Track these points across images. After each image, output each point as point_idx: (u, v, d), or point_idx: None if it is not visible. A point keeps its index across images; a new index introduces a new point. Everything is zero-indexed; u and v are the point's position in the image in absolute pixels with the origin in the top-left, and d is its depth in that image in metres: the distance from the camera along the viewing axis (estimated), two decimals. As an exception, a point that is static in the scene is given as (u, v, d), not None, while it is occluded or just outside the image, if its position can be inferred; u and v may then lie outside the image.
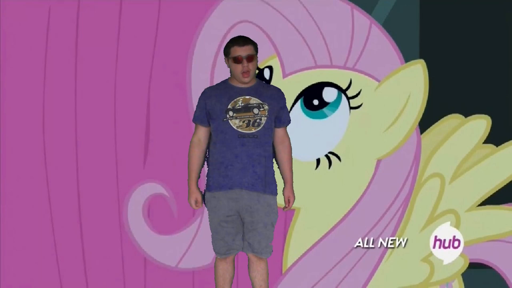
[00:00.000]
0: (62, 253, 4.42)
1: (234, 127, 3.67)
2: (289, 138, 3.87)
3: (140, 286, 4.45)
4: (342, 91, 4.45)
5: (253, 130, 3.68)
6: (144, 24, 4.37)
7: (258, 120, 3.69)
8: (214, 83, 4.31)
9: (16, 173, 4.38)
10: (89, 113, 4.38)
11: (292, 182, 3.87)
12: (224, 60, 3.80)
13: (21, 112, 4.37)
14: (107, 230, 4.41)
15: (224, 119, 3.67)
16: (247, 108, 3.69)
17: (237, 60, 3.69)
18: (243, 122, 3.68)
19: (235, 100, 3.70)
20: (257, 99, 3.71)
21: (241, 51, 3.69)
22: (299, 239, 4.48)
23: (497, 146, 4.54)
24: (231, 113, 3.67)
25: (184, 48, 4.38)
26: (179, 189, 4.40)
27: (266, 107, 3.71)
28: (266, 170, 3.72)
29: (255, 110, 3.69)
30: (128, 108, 4.39)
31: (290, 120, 3.87)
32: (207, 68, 4.37)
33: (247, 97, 3.71)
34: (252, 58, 3.70)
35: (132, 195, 4.40)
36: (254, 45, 3.76)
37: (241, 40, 3.74)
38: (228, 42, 3.77)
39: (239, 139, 3.67)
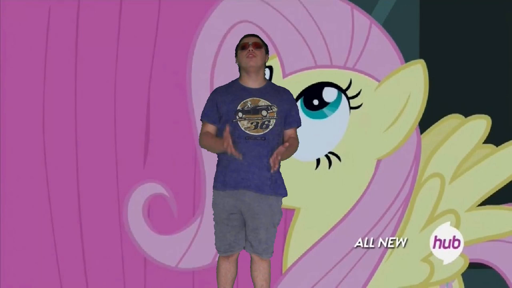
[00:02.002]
0: (62, 253, 4.42)
1: (242, 129, 3.67)
2: (297, 139, 3.83)
3: (140, 286, 4.45)
4: (342, 91, 4.45)
5: (261, 132, 3.68)
6: (144, 24, 4.37)
7: (266, 122, 3.69)
8: (214, 83, 4.31)
9: (16, 173, 4.38)
10: (89, 113, 4.38)
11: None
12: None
13: (21, 112, 4.37)
14: (107, 230, 4.41)
15: (234, 120, 3.67)
16: (255, 110, 3.69)
17: (243, 46, 3.73)
18: (252, 123, 3.67)
19: (244, 101, 3.70)
20: (266, 101, 3.71)
21: (248, 39, 3.78)
22: (299, 239, 4.48)
23: (497, 146, 4.54)
24: (240, 114, 3.67)
25: (184, 48, 4.38)
26: (179, 189, 4.41)
27: (275, 109, 3.70)
28: (273, 172, 3.71)
29: (264, 112, 3.69)
30: (128, 108, 4.39)
31: (300, 123, 3.84)
32: (207, 68, 4.37)
33: (256, 98, 3.71)
34: (258, 45, 3.74)
35: (132, 195, 4.40)
36: (264, 42, 3.83)
37: (251, 34, 3.86)
38: None
39: (247, 141, 3.66)
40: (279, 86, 3.89)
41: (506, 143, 4.55)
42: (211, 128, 3.78)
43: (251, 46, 3.73)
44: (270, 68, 4.41)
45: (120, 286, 4.44)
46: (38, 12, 4.35)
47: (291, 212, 4.47)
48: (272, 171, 3.64)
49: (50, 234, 4.40)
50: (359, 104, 4.46)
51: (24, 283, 4.42)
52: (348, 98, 4.45)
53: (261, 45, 3.77)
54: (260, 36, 3.89)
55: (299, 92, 4.43)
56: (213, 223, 3.85)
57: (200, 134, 3.82)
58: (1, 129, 4.37)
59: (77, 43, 4.36)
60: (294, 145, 3.79)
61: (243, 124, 3.66)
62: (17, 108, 4.37)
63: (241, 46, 3.77)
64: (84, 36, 4.36)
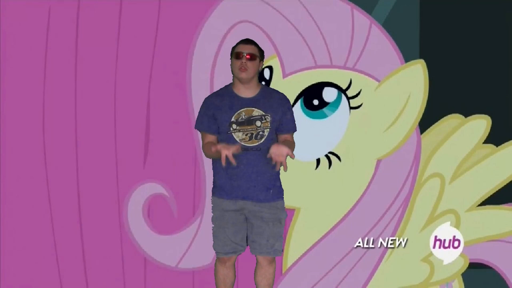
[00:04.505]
0: (62, 253, 4.42)
1: (238, 140, 3.67)
2: (294, 142, 3.81)
3: (140, 286, 4.45)
4: (342, 91, 4.45)
5: (256, 143, 3.68)
6: (144, 24, 4.37)
7: (261, 133, 3.69)
8: (214, 83, 4.31)
9: (16, 173, 4.38)
10: (89, 113, 4.38)
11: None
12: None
13: (21, 112, 4.37)
14: (107, 230, 4.41)
15: (228, 132, 3.67)
16: (249, 121, 3.69)
17: (237, 55, 3.71)
18: (246, 135, 3.68)
19: (238, 112, 3.70)
20: (260, 110, 3.71)
21: (243, 48, 3.73)
22: (299, 239, 4.48)
23: (497, 146, 4.54)
24: (234, 126, 3.68)
25: (184, 48, 4.38)
26: (179, 189, 4.41)
27: (269, 118, 3.71)
28: (271, 181, 3.72)
29: (258, 123, 3.69)
30: (128, 108, 4.39)
31: (295, 128, 3.83)
32: (207, 68, 4.37)
33: (250, 108, 3.71)
34: (253, 57, 3.70)
35: (132, 195, 4.40)
36: (259, 49, 3.78)
37: (246, 40, 3.78)
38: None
39: (242, 152, 3.66)
40: (274, 91, 3.88)
41: (506, 143, 4.55)
42: (212, 138, 3.79)
43: (245, 58, 3.71)
44: (270, 68, 4.41)
45: (120, 286, 4.44)
46: (38, 12, 4.34)
47: (291, 212, 4.47)
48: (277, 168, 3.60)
49: (50, 234, 4.40)
50: (359, 104, 4.46)
51: (24, 283, 4.42)
52: (348, 98, 4.45)
53: (255, 56, 3.73)
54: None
55: (299, 92, 4.43)
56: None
57: (203, 145, 3.82)
58: (1, 129, 4.37)
59: (77, 43, 4.36)
60: (290, 146, 3.77)
61: (238, 136, 3.67)
62: (17, 108, 4.37)
63: (235, 55, 3.73)
64: (84, 36, 4.36)
